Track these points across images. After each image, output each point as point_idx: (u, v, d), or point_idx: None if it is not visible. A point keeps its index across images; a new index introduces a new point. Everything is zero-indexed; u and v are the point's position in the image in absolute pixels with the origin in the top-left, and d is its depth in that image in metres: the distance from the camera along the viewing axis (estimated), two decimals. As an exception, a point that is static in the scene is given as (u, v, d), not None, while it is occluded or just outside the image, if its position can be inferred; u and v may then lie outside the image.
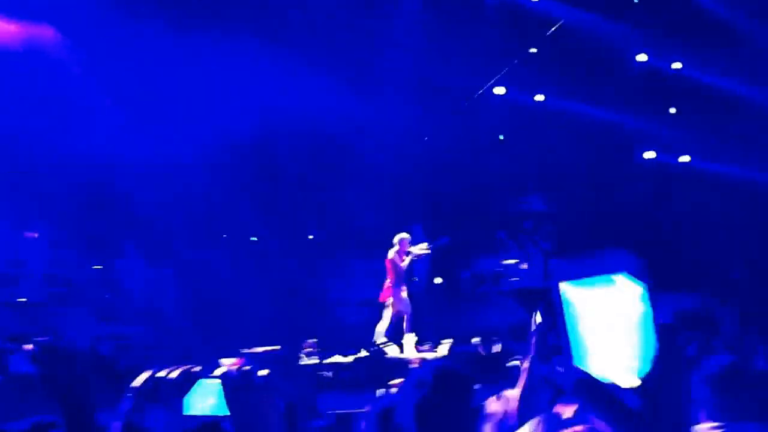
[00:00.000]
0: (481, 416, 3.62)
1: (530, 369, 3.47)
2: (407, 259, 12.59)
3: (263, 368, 2.64)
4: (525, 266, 18.10)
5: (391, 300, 12.61)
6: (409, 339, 12.43)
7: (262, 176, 16.18)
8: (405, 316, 12.58)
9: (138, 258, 15.76)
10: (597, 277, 1.62)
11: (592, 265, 1.67)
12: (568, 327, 1.58)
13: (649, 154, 20.68)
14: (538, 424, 3.02)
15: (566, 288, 1.63)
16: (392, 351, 12.10)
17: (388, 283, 12.60)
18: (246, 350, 8.99)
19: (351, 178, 16.52)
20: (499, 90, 18.68)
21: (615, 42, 18.87)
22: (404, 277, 12.70)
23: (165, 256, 16.15)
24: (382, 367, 9.94)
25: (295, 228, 17.23)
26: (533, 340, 3.56)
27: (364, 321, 16.27)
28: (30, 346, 3.02)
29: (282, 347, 9.37)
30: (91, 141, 14.05)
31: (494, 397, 4.16)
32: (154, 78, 14.15)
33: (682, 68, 20.15)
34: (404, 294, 12.61)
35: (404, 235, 12.74)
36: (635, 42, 19.57)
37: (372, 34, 15.56)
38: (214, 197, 15.49)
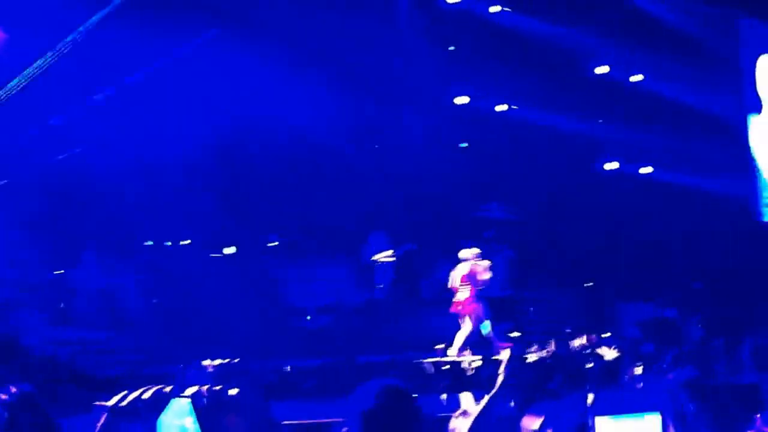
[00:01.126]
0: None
1: (492, 399, 3.51)
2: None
3: (223, 379, 2.65)
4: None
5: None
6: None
7: (225, 182, 16.09)
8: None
9: (99, 262, 15.57)
10: (631, 414, 1.69)
11: (629, 400, 1.74)
12: None
13: (611, 165, 20.89)
14: None
15: (601, 421, 1.71)
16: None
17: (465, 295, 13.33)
18: (207, 362, 8.96)
19: (315, 184, 16.48)
20: (462, 99, 18.77)
21: (576, 53, 19.06)
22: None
23: (127, 260, 15.98)
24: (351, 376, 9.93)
25: (257, 234, 17.14)
26: (502, 373, 3.60)
27: (326, 327, 16.24)
28: (5, 396, 3.00)
29: (239, 359, 9.32)
30: (54, 143, 13.89)
31: (458, 413, 4.19)
32: (118, 81, 14.05)
33: (642, 80, 20.44)
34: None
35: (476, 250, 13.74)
36: (595, 53, 19.79)
37: (340, 37, 15.54)
38: (175, 201, 15.36)
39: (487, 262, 14.03)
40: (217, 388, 2.34)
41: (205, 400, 2.24)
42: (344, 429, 3.24)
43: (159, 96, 14.72)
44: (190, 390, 2.21)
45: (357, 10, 15.28)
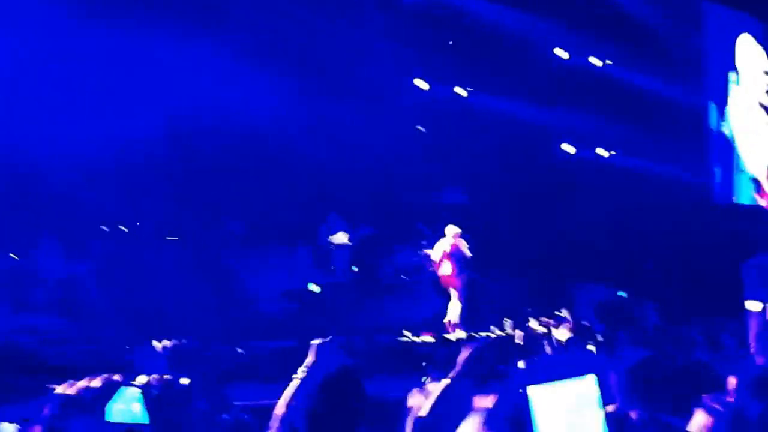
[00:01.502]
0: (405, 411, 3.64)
1: (451, 383, 3.51)
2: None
3: (176, 361, 2.61)
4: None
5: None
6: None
7: (181, 167, 15.90)
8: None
9: (57, 249, 15.34)
10: (565, 380, 1.68)
11: (560, 367, 1.73)
12: (535, 428, 1.66)
13: (567, 148, 21.05)
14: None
15: (534, 391, 1.70)
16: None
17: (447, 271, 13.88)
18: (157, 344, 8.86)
19: (270, 169, 16.35)
20: (420, 83, 18.76)
21: (535, 38, 19.14)
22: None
23: (84, 247, 15.76)
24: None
25: (214, 219, 16.99)
26: (464, 358, 3.60)
27: (283, 312, 16.19)
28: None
29: (187, 339, 9.22)
30: (6, 129, 13.63)
31: (416, 390, 4.17)
32: (67, 67, 13.85)
33: (601, 65, 20.62)
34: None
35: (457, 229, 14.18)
36: (554, 38, 19.90)
37: (284, 20, 15.40)
38: (134, 188, 15.17)
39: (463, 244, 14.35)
40: (167, 377, 2.32)
41: (155, 389, 2.21)
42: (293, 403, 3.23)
43: (117, 79, 14.53)
44: (141, 379, 2.19)
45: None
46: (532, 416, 1.74)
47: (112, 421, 2.13)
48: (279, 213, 16.91)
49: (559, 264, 18.42)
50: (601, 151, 21.26)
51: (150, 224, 16.17)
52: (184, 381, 2.12)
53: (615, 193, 19.52)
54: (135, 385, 2.13)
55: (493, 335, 13.74)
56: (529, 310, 15.21)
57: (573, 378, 1.76)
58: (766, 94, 21.47)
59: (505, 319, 14.48)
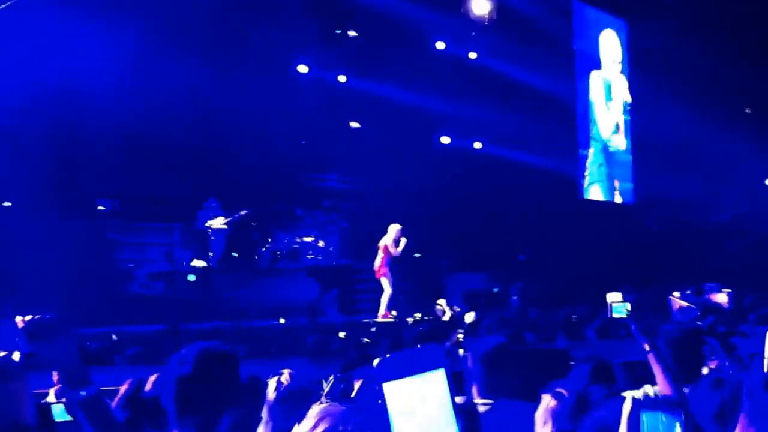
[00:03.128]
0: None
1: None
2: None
3: (35, 335, 2.58)
4: (322, 244, 18.36)
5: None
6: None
7: (52, 143, 15.41)
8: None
9: None
10: (417, 375, 1.80)
11: (411, 362, 1.86)
12: (391, 422, 1.76)
13: (446, 139, 21.45)
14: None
15: (389, 386, 1.81)
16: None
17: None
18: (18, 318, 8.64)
19: (149, 149, 16.04)
20: (303, 68, 18.76)
21: (415, 27, 19.40)
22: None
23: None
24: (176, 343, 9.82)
25: (84, 197, 16.55)
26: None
27: (157, 294, 15.97)
28: None
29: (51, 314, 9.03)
30: None
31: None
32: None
33: (477, 57, 21.08)
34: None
35: (398, 226, 14.73)
36: (434, 29, 20.22)
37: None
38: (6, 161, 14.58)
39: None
40: (2, 354, 2.30)
41: None
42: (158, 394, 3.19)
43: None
44: None
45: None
46: (387, 412, 1.85)
47: None
48: (156, 193, 16.66)
49: (435, 252, 18.78)
50: (478, 142, 21.76)
51: (23, 199, 15.62)
52: (16, 356, 2.12)
53: (493, 184, 20.02)
54: None
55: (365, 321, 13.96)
56: (404, 297, 15.51)
57: (424, 372, 1.89)
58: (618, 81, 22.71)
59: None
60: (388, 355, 1.99)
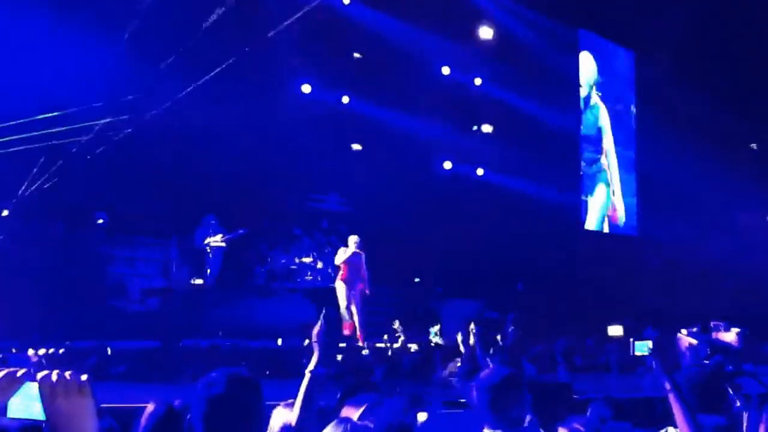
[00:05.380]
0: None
1: (309, 388, 3.54)
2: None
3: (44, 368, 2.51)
4: (320, 265, 18.23)
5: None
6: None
7: (51, 154, 15.27)
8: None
9: None
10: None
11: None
12: None
13: (447, 165, 21.40)
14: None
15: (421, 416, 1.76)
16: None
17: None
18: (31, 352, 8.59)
19: (149, 165, 15.94)
20: (306, 88, 18.71)
21: (421, 54, 19.41)
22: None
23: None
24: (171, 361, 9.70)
25: (84, 211, 16.43)
26: (318, 343, 3.65)
27: (152, 311, 15.83)
28: None
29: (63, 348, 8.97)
30: None
31: (281, 405, 4.14)
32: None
33: (482, 84, 21.09)
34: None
35: (356, 238, 14.64)
36: (440, 56, 20.23)
37: (171, 18, 15.05)
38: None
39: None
40: (68, 373, 2.25)
41: (52, 386, 2.14)
42: (188, 416, 3.32)
43: None
44: (40, 374, 2.13)
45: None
46: None
47: (11, 417, 2.10)
48: (154, 209, 16.53)
49: (433, 278, 18.66)
50: (480, 169, 21.73)
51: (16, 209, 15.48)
52: (83, 378, 2.10)
53: (493, 212, 19.96)
54: (35, 380, 2.10)
55: (362, 346, 13.80)
56: (400, 322, 15.36)
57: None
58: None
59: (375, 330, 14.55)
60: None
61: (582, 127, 22.06)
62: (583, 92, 22.18)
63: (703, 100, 20.35)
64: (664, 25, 20.56)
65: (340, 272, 14.60)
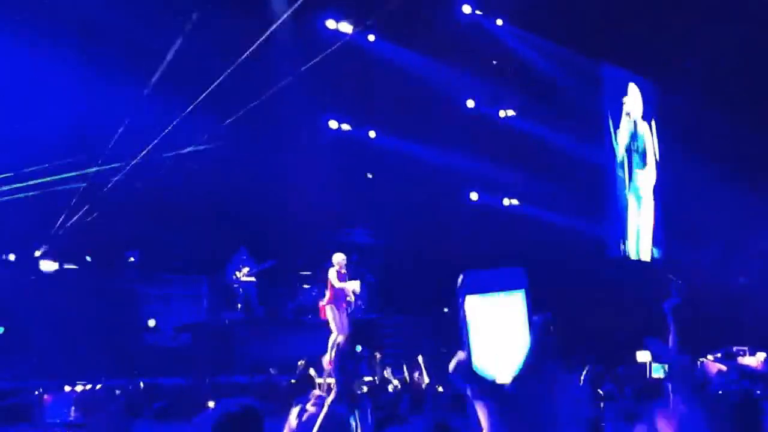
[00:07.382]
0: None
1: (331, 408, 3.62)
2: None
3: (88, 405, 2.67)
4: (351, 298, 18.32)
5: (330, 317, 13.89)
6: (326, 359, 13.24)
7: (83, 195, 15.46)
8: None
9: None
10: (500, 291, 1.85)
11: (495, 279, 1.90)
12: (469, 334, 1.81)
13: (473, 195, 21.49)
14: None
15: (471, 299, 1.86)
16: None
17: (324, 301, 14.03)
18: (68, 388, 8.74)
19: (180, 202, 16.16)
20: (333, 123, 18.95)
21: (448, 88, 19.60)
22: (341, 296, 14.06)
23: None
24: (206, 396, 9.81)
25: (116, 249, 16.65)
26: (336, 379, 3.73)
27: (185, 346, 15.96)
28: None
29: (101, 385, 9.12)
30: None
31: (295, 410, 4.22)
32: None
33: (513, 118, 21.28)
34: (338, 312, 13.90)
35: (342, 255, 14.08)
36: (467, 90, 20.41)
37: (198, 54, 15.27)
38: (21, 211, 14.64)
39: (356, 282, 14.64)
40: (99, 386, 2.39)
41: (88, 398, 2.29)
42: None
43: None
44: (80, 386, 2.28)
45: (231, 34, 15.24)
46: (467, 325, 1.90)
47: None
48: (184, 246, 16.72)
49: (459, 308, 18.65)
50: (508, 200, 21.81)
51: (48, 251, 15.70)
52: (118, 392, 2.27)
53: (519, 241, 19.97)
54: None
55: (388, 379, 13.80)
56: (429, 352, 15.36)
57: (505, 291, 1.92)
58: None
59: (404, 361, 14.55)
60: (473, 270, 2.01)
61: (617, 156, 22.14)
62: (629, 123, 22.36)
63: (723, 124, 20.35)
64: (686, 52, 20.62)
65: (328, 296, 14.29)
